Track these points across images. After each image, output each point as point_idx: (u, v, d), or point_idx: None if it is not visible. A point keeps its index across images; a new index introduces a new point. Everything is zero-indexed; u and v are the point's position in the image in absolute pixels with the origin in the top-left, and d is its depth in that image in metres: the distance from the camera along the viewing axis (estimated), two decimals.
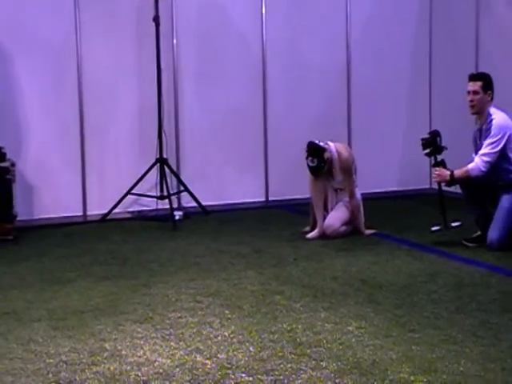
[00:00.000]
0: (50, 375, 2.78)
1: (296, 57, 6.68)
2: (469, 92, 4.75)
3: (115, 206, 6.03)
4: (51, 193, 5.99)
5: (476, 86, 4.72)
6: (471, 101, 4.74)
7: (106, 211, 6.02)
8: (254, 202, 6.63)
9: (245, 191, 6.60)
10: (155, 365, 2.86)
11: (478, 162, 4.64)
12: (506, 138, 4.61)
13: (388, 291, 3.79)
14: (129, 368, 2.84)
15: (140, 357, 2.95)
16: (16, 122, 5.84)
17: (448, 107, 6.78)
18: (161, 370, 2.80)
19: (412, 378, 2.66)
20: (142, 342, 3.11)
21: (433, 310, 3.43)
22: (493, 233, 4.62)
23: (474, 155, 4.76)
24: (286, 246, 4.94)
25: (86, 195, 6.15)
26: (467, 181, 4.71)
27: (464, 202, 4.87)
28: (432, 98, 7.10)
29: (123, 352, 3.00)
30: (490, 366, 2.74)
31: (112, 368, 2.84)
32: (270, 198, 6.72)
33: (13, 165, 5.55)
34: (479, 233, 4.81)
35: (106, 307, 3.63)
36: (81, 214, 6.13)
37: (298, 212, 6.14)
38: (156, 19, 5.94)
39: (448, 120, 6.53)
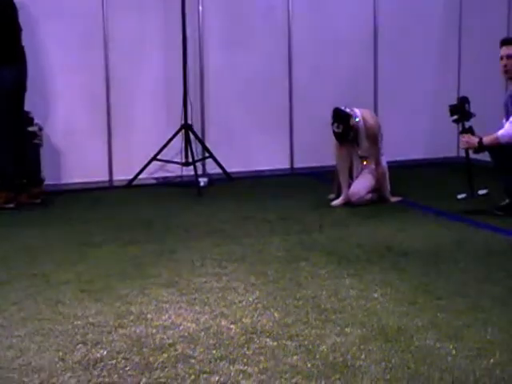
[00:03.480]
0: (78, 336, 2.82)
1: (322, 21, 6.58)
2: (502, 57, 4.64)
3: (140, 172, 6.06)
4: (78, 158, 6.03)
5: (510, 49, 4.60)
6: (505, 65, 4.64)
7: (131, 177, 6.05)
8: (279, 169, 6.61)
9: (270, 158, 6.57)
10: (180, 328, 2.88)
11: (508, 129, 4.55)
12: None
13: (414, 258, 3.77)
14: (154, 331, 2.86)
15: (165, 320, 2.97)
16: (43, 88, 5.85)
17: (477, 73, 6.65)
18: (186, 334, 2.82)
19: (438, 344, 2.64)
20: (167, 306, 3.13)
21: (460, 278, 3.40)
22: None
23: (504, 121, 4.66)
24: (311, 213, 4.92)
25: (112, 161, 6.18)
26: (496, 148, 4.62)
27: (493, 169, 4.79)
28: (461, 63, 6.96)
29: (149, 315, 3.03)
30: None
31: (138, 331, 2.86)
32: (296, 165, 6.69)
33: (40, 129, 5.59)
34: (508, 201, 4.73)
35: (132, 271, 3.66)
36: (107, 179, 6.17)
37: (323, 179, 6.11)
38: None
39: (477, 86, 6.40)
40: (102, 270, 3.68)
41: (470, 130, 4.73)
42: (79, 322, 2.96)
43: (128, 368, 2.54)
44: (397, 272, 3.53)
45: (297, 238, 4.24)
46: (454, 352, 2.58)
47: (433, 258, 3.78)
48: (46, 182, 5.63)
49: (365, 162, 5.23)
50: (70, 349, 2.71)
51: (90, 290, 3.35)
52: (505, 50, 4.63)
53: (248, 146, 6.54)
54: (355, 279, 3.43)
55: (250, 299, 3.20)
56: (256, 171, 6.49)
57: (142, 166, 6.04)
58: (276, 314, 3.00)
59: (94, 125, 6.10)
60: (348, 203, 5.14)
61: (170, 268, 3.70)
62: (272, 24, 6.48)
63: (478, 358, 2.52)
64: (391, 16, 6.72)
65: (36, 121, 5.57)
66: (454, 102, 4.88)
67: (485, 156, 4.84)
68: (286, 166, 6.68)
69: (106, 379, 2.46)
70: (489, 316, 2.91)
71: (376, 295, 3.20)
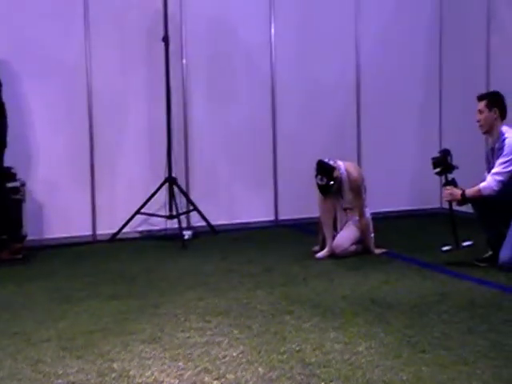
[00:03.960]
0: None
1: (305, 75, 6.70)
2: (476, 112, 4.77)
3: (124, 226, 6.04)
4: (61, 212, 6.00)
5: (480, 105, 4.74)
6: (478, 120, 4.75)
7: (115, 231, 6.03)
8: (264, 222, 6.62)
9: (254, 210, 6.59)
10: None
11: (490, 181, 4.62)
12: None
13: (398, 311, 3.75)
14: None
15: (148, 377, 2.93)
16: (26, 143, 5.88)
17: (458, 126, 6.77)
18: None
19: None
20: (150, 362, 3.09)
21: (444, 331, 3.39)
22: (505, 253, 4.57)
23: (486, 174, 4.73)
24: (295, 266, 4.91)
25: (96, 215, 6.16)
26: (479, 200, 4.68)
27: (476, 221, 4.83)
28: (442, 116, 7.10)
29: (131, 372, 2.98)
30: None
31: None
32: (280, 217, 6.71)
33: (22, 185, 5.58)
34: (491, 253, 4.76)
35: (115, 327, 3.61)
36: (90, 233, 6.14)
37: (307, 231, 6.12)
38: (165, 39, 5.99)
39: (459, 139, 6.51)
40: (84, 327, 3.63)
41: (453, 183, 4.79)
42: (60, 381, 2.91)
43: None
44: (381, 325, 3.52)
45: (281, 291, 4.22)
46: None
47: (417, 310, 3.77)
48: (29, 237, 5.60)
49: (349, 213, 5.27)
50: None
51: (71, 348, 3.30)
52: (478, 106, 4.76)
53: (232, 198, 6.56)
54: (340, 332, 3.41)
55: (234, 354, 3.16)
56: (240, 223, 6.50)
57: (125, 220, 6.03)
58: (260, 369, 2.97)
59: (78, 178, 6.10)
60: (332, 255, 5.15)
61: (153, 323, 3.66)
62: (256, 75, 6.58)
63: None
64: (374, 69, 6.86)
65: (18, 176, 5.57)
66: (437, 154, 4.95)
67: (468, 208, 4.89)
68: (271, 217, 6.70)
69: None
70: (472, 369, 2.89)
71: (361, 349, 3.18)
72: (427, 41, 7.04)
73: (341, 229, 5.28)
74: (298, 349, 3.20)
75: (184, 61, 6.38)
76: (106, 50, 6.12)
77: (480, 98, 4.82)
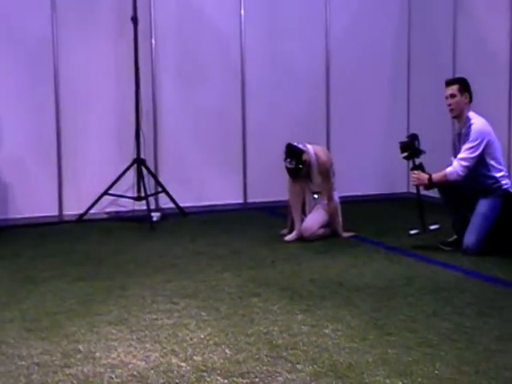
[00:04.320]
0: (22, 377, 2.73)
1: (275, 59, 6.68)
2: (446, 97, 4.79)
3: (92, 207, 5.98)
4: (26, 192, 5.92)
5: (452, 89, 4.76)
6: (449, 105, 4.77)
7: (82, 211, 5.96)
8: (233, 204, 6.61)
9: (223, 193, 6.58)
10: (129, 367, 2.82)
11: (456, 167, 4.67)
12: (484, 143, 4.63)
13: (365, 294, 3.79)
14: (102, 370, 2.79)
15: (114, 359, 2.91)
16: None
17: (426, 111, 6.83)
18: (135, 373, 2.76)
19: (388, 381, 2.65)
20: (116, 344, 3.07)
21: (409, 314, 3.43)
22: (469, 237, 4.64)
23: (452, 159, 4.78)
24: (263, 248, 4.92)
25: (62, 195, 6.09)
26: (445, 185, 4.73)
27: (442, 205, 4.89)
28: (410, 102, 7.15)
29: (97, 354, 2.96)
30: (464, 369, 2.74)
31: (85, 370, 2.79)
32: (249, 200, 6.70)
33: None
34: (455, 237, 4.83)
35: (81, 308, 3.58)
36: (56, 213, 6.06)
37: (276, 214, 6.13)
38: (134, 19, 5.90)
39: (426, 124, 6.57)
40: (49, 308, 3.59)
41: (420, 167, 4.83)
42: (23, 363, 2.87)
43: None
44: (348, 308, 3.55)
45: (249, 274, 4.23)
46: None
47: (383, 293, 3.81)
48: None
49: (317, 193, 5.28)
50: None
51: (35, 329, 3.26)
52: (448, 90, 4.78)
53: (201, 181, 6.54)
54: (307, 315, 3.43)
55: (202, 336, 3.16)
56: (209, 206, 6.49)
57: (93, 201, 5.96)
58: (227, 351, 2.97)
59: (44, 158, 6.01)
60: (301, 238, 5.17)
61: (120, 305, 3.63)
62: (225, 59, 6.54)
63: None
64: (343, 55, 6.87)
65: None
66: (404, 139, 4.98)
67: (435, 192, 4.94)
68: (240, 200, 6.69)
69: None
70: (436, 351, 2.93)
71: (327, 331, 3.20)
72: (396, 26, 7.06)
73: (309, 212, 5.30)
74: (265, 331, 3.21)
75: (153, 41, 6.30)
76: (73, 28, 6.02)
77: (451, 82, 4.83)
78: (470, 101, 4.77)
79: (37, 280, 4.14)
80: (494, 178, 4.67)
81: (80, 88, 6.07)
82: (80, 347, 3.03)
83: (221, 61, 6.53)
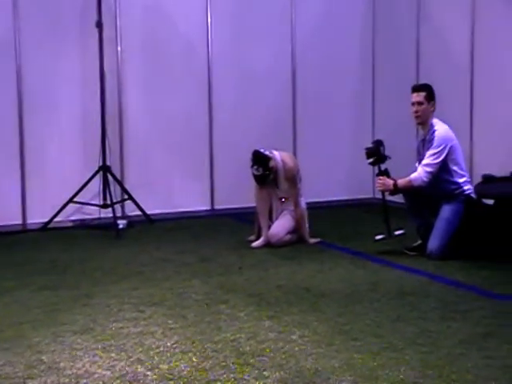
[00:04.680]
0: None
1: (242, 65, 6.70)
2: (413, 103, 4.83)
3: (56, 215, 5.91)
4: None
5: (420, 96, 4.80)
6: (416, 111, 4.82)
7: (46, 220, 5.89)
8: (200, 211, 6.60)
9: (190, 199, 6.57)
10: (95, 377, 2.79)
11: (420, 172, 4.73)
12: (447, 149, 4.70)
13: (331, 299, 3.81)
14: (67, 381, 2.76)
15: (79, 369, 2.88)
16: None
17: (390, 117, 6.92)
18: (100, 383, 2.74)
19: None
20: (81, 354, 3.04)
21: (375, 318, 3.46)
22: (433, 242, 4.71)
23: (417, 165, 4.85)
24: (231, 255, 4.92)
25: (26, 203, 6.00)
26: (410, 190, 4.80)
27: (406, 210, 4.95)
28: (375, 108, 7.23)
29: (61, 364, 2.92)
30: (428, 373, 2.78)
31: (49, 381, 2.75)
32: (216, 207, 6.70)
33: None
34: (420, 242, 4.89)
35: (45, 318, 3.54)
36: (20, 222, 5.98)
37: (243, 220, 6.14)
38: (99, 25, 5.87)
39: (391, 130, 6.66)
40: (13, 318, 3.53)
41: (386, 173, 4.89)
42: None
43: None
44: (315, 313, 3.57)
45: (217, 281, 4.22)
46: None
47: (349, 298, 3.84)
48: None
49: (283, 200, 5.30)
50: None
51: None
52: (415, 97, 4.83)
53: (168, 188, 6.51)
54: (274, 321, 3.44)
55: (168, 344, 3.14)
56: (176, 212, 6.47)
57: (58, 209, 5.89)
58: (194, 359, 2.96)
59: (6, 165, 5.93)
60: (268, 244, 5.18)
61: (86, 313, 3.60)
62: (192, 65, 6.54)
63: None
64: (309, 59, 6.93)
65: None
66: (370, 145, 5.03)
67: (400, 198, 5.00)
68: (207, 207, 6.69)
69: None
70: (402, 356, 2.97)
71: (294, 337, 3.21)
72: (361, 31, 7.15)
73: (276, 218, 5.32)
74: (232, 338, 3.21)
75: (119, 48, 6.26)
76: (37, 32, 5.96)
77: (418, 89, 4.87)
78: (435, 108, 4.84)
79: (1, 290, 4.07)
80: (457, 183, 4.75)
81: (44, 94, 6.01)
82: (44, 358, 2.99)
83: (187, 67, 6.52)
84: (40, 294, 3.98)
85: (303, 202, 5.39)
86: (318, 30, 6.95)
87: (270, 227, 5.26)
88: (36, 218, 5.96)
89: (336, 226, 6.03)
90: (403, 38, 6.78)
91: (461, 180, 4.76)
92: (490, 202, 4.83)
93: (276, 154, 5.28)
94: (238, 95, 6.72)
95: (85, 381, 2.76)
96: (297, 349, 3.07)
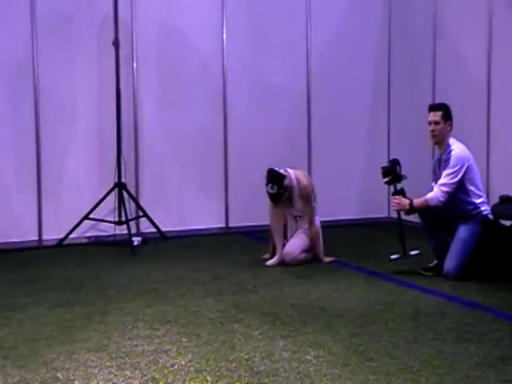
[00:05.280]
0: None
1: (257, 82, 6.73)
2: (430, 122, 4.82)
3: (72, 231, 5.93)
4: (5, 216, 5.87)
5: (437, 116, 4.79)
6: (432, 131, 4.80)
7: (62, 236, 5.91)
8: (214, 228, 6.60)
9: (205, 217, 6.57)
10: None
11: (436, 192, 4.71)
12: (464, 169, 4.67)
13: (346, 319, 3.79)
14: None
15: None
16: None
17: (406, 136, 6.89)
18: None
19: None
20: (96, 372, 3.03)
21: (390, 339, 3.43)
22: (449, 262, 4.67)
23: (433, 184, 4.83)
24: (245, 273, 4.91)
25: (42, 219, 6.04)
26: (426, 210, 4.77)
27: (422, 230, 4.92)
28: (391, 126, 7.22)
29: (76, 382, 2.92)
30: None
31: None
32: (230, 225, 6.70)
33: None
34: (436, 262, 4.85)
35: (60, 335, 3.54)
36: (36, 238, 6.01)
37: (257, 238, 6.13)
38: (116, 42, 5.93)
39: (406, 149, 6.63)
40: (28, 335, 3.54)
41: (402, 192, 4.86)
42: None
43: None
44: (330, 333, 3.54)
45: (231, 299, 4.21)
46: None
47: (364, 318, 3.81)
48: None
49: (299, 221, 5.29)
50: None
51: (13, 356, 3.21)
52: (432, 116, 4.82)
53: (183, 205, 6.53)
54: (289, 341, 3.42)
55: (183, 362, 3.13)
56: (191, 230, 6.47)
57: (73, 225, 5.91)
58: (209, 378, 2.95)
59: (23, 181, 5.97)
60: (282, 263, 5.16)
61: (100, 331, 3.59)
62: (207, 82, 6.57)
63: None
64: (324, 80, 6.93)
65: None
66: (386, 164, 5.02)
67: (416, 217, 4.97)
68: (222, 224, 6.68)
69: None
70: (417, 377, 2.94)
71: (309, 357, 3.19)
72: (376, 47, 7.13)
73: (291, 237, 5.31)
74: (246, 357, 3.19)
75: (135, 65, 6.32)
76: (55, 50, 6.03)
77: (435, 108, 4.86)
78: (451, 128, 4.83)
79: (16, 306, 4.09)
80: (474, 203, 4.72)
81: (61, 112, 6.06)
82: (59, 375, 2.99)
83: (203, 84, 6.56)
84: (54, 310, 3.98)
85: (318, 220, 5.37)
86: (333, 45, 6.96)
87: (284, 245, 5.24)
88: (51, 234, 5.98)
89: (351, 245, 6.00)
90: (419, 54, 6.78)
91: (478, 200, 4.73)
92: (507, 222, 4.78)
93: (291, 172, 5.28)
94: (254, 112, 6.73)
95: None
96: (312, 369, 3.04)
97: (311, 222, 5.29)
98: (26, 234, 5.94)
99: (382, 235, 6.38)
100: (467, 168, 4.69)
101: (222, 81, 6.61)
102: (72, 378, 2.97)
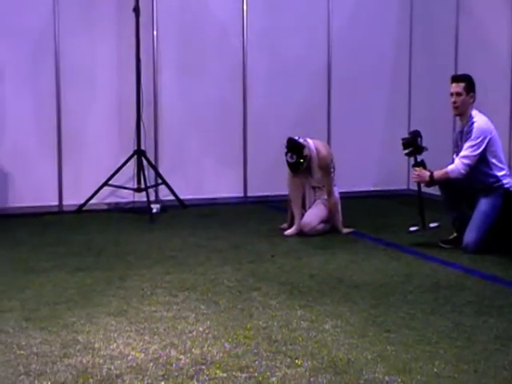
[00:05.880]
0: (21, 367, 2.73)
1: (277, 52, 6.66)
2: (452, 94, 4.75)
3: (91, 197, 5.97)
4: (27, 181, 5.92)
5: (459, 87, 4.72)
6: (454, 102, 4.73)
7: (82, 202, 5.95)
8: (233, 197, 6.61)
9: (223, 186, 6.57)
10: (128, 358, 2.82)
11: (457, 164, 4.66)
12: (486, 141, 4.62)
13: (364, 290, 3.79)
14: (101, 361, 2.79)
15: (113, 350, 2.91)
16: None
17: (427, 108, 6.81)
18: (134, 364, 2.77)
19: (387, 378, 2.65)
20: (115, 336, 3.07)
21: (408, 311, 3.43)
22: (469, 235, 4.64)
23: (454, 157, 4.78)
24: (263, 243, 4.92)
25: (63, 185, 6.08)
26: (446, 182, 4.73)
27: (442, 203, 4.89)
28: (411, 98, 7.13)
29: (96, 345, 2.96)
30: (463, 368, 2.74)
31: (84, 361, 2.79)
32: (249, 194, 6.70)
33: None
34: (455, 234, 4.83)
35: (80, 299, 3.58)
36: (56, 203, 6.06)
37: (276, 208, 6.13)
38: (136, 10, 5.89)
39: (427, 121, 6.55)
40: (49, 298, 3.58)
41: (422, 164, 4.82)
42: (22, 352, 2.87)
43: None
44: (347, 304, 3.55)
45: (249, 268, 4.23)
46: None
47: (382, 290, 3.81)
48: None
49: (317, 191, 5.28)
50: (12, 380, 2.62)
51: (35, 319, 3.26)
52: (454, 88, 4.74)
53: (202, 173, 6.53)
54: (307, 310, 3.43)
55: (201, 329, 3.16)
56: (209, 199, 6.48)
57: (93, 191, 5.95)
58: (226, 345, 2.97)
59: (44, 148, 6.00)
60: (300, 233, 5.16)
61: (119, 296, 3.63)
62: (227, 51, 6.52)
63: None
64: (344, 50, 6.84)
65: None
66: (407, 135, 4.97)
67: (435, 190, 4.93)
68: (240, 194, 6.68)
69: None
70: (436, 349, 2.94)
71: (327, 327, 3.20)
72: (398, 19, 7.01)
73: (309, 207, 5.30)
74: (264, 325, 3.21)
75: (155, 32, 6.27)
76: (75, 17, 6.01)
77: (457, 79, 4.78)
78: (474, 100, 4.75)
79: (37, 270, 4.14)
80: (496, 176, 4.66)
81: (81, 79, 6.06)
82: (79, 338, 3.03)
83: (222, 53, 6.50)
84: (75, 275, 4.03)
85: (336, 191, 5.35)
86: (354, 18, 6.85)
87: (302, 216, 5.24)
88: (71, 199, 6.03)
89: (369, 216, 5.98)
90: (441, 27, 6.66)
91: (500, 173, 4.67)
92: None
93: (310, 142, 5.24)
94: (273, 82, 6.68)
95: (119, 362, 2.79)
96: (329, 339, 3.05)
97: (330, 193, 5.27)
98: (46, 199, 6.00)
99: (401, 207, 6.35)
100: (489, 140, 4.63)
101: (242, 50, 6.54)
102: (92, 340, 3.01)
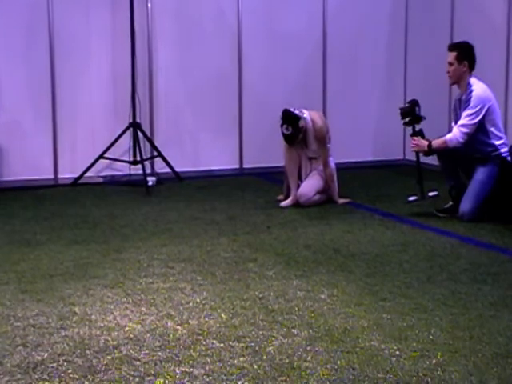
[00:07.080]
0: (18, 338, 2.74)
1: (272, 23, 6.59)
2: (447, 63, 4.72)
3: (87, 170, 5.95)
4: (22, 154, 5.90)
5: (450, 56, 4.68)
6: (447, 72, 4.71)
7: (77, 175, 5.93)
8: (229, 169, 6.59)
9: (219, 158, 6.55)
10: (125, 330, 2.83)
11: (456, 133, 4.64)
12: (484, 109, 4.59)
13: (360, 260, 3.80)
14: (98, 333, 2.80)
15: (110, 322, 2.92)
16: None
17: (423, 77, 6.76)
18: (131, 335, 2.78)
19: (382, 346, 2.67)
20: (112, 307, 3.08)
21: (404, 280, 3.44)
22: (465, 204, 4.64)
23: (453, 125, 4.75)
24: (259, 214, 4.91)
25: (58, 158, 6.05)
26: (444, 151, 4.71)
27: (440, 172, 4.87)
28: (407, 67, 7.08)
29: (93, 316, 2.97)
30: (458, 335, 2.76)
31: (81, 332, 2.80)
32: (245, 166, 6.68)
33: None
34: (451, 203, 4.83)
35: (76, 271, 3.58)
36: (52, 176, 6.04)
37: (272, 180, 6.12)
38: None
39: (423, 90, 6.50)
40: (45, 270, 3.59)
41: (420, 133, 4.79)
42: (19, 324, 2.88)
43: (70, 371, 2.48)
44: (343, 273, 3.56)
45: (245, 239, 4.23)
46: (397, 353, 2.61)
47: (378, 259, 3.82)
48: None
49: (313, 162, 5.26)
50: (9, 351, 2.63)
51: (31, 291, 3.26)
52: (448, 57, 4.71)
53: (197, 146, 6.50)
54: (303, 280, 3.44)
55: (197, 300, 3.17)
56: (205, 171, 6.46)
57: (88, 164, 5.93)
58: (223, 315, 2.98)
59: (39, 121, 5.97)
60: (297, 204, 5.16)
61: (116, 268, 3.64)
62: (222, 24, 6.45)
63: (421, 359, 2.56)
64: (340, 19, 6.77)
65: None
66: (405, 104, 4.93)
67: (433, 159, 4.92)
68: (236, 166, 6.66)
69: (47, 383, 2.39)
70: (431, 317, 2.95)
71: (323, 296, 3.21)
72: None
73: (305, 178, 5.28)
74: (260, 296, 3.22)
75: (149, 5, 6.19)
76: None
77: (450, 48, 4.75)
78: (472, 67, 4.70)
79: (33, 242, 4.14)
80: (494, 145, 4.65)
81: (75, 51, 6.00)
82: (76, 309, 3.04)
83: (217, 25, 6.43)
84: (71, 247, 4.03)
85: (332, 161, 5.34)
86: None
87: (298, 187, 5.23)
88: (67, 172, 6.01)
89: (366, 187, 5.97)
90: None
91: (498, 142, 4.65)
92: None
93: (306, 113, 5.21)
94: (269, 54, 6.62)
95: (116, 333, 2.80)
96: (325, 308, 3.07)
97: (326, 164, 5.25)
98: (41, 172, 5.97)
99: (398, 177, 6.34)
100: (488, 109, 4.60)
101: (237, 23, 6.47)
102: (89, 312, 3.01)
